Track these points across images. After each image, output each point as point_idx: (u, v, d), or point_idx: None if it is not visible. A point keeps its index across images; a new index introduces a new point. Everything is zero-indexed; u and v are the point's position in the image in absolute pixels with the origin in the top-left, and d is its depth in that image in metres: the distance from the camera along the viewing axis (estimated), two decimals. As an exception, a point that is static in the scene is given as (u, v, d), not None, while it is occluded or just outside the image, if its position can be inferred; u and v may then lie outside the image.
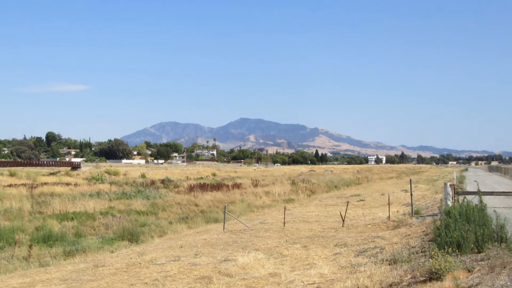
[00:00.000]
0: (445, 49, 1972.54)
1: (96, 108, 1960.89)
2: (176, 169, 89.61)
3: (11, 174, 51.97)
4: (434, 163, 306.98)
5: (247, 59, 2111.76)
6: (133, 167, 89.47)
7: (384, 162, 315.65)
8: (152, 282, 8.01)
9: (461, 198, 10.77)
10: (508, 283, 5.10)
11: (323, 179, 45.48)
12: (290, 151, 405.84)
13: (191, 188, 33.39)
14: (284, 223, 15.57)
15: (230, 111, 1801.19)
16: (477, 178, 42.00)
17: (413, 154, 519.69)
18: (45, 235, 16.70)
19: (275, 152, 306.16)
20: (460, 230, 7.10)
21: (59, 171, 67.08)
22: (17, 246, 15.00)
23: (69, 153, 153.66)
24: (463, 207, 8.14)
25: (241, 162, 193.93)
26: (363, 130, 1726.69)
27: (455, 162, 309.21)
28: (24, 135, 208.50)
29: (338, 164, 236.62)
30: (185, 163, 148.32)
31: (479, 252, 6.84)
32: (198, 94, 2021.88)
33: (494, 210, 8.09)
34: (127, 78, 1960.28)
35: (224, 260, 9.41)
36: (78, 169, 74.30)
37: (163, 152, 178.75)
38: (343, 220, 14.79)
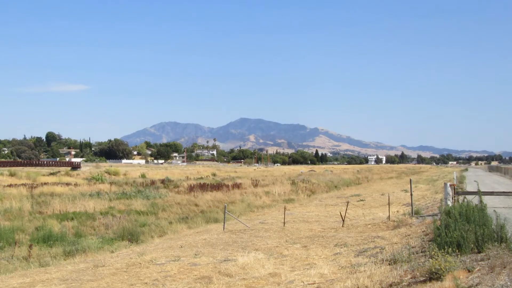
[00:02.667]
0: (445, 49, 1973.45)
1: (96, 108, 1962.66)
2: (176, 169, 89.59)
3: (11, 174, 51.99)
4: (434, 163, 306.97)
5: (247, 59, 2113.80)
6: (133, 167, 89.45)
7: (384, 162, 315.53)
8: (152, 282, 8.01)
9: (461, 198, 10.77)
10: (508, 283, 5.09)
11: (323, 179, 45.49)
12: (290, 151, 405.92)
13: (191, 188, 33.39)
14: (284, 223, 15.57)
15: (230, 111, 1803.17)
16: (477, 178, 41.99)
17: (413, 154, 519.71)
18: (45, 235, 16.70)
19: (275, 152, 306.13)
20: (460, 230, 7.10)
21: (59, 171, 67.08)
22: (17, 246, 14.99)
23: (69, 153, 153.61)
24: (463, 207, 8.14)
25: (241, 162, 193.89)
26: (363, 130, 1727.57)
27: (455, 162, 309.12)
28: (24, 135, 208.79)
29: (338, 164, 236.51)
30: (185, 163, 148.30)
31: (479, 252, 6.83)
32: (198, 94, 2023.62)
33: (494, 210, 8.09)
34: (127, 78, 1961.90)
35: (224, 260, 9.41)
36: (78, 169, 74.30)
37: (163, 152, 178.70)
38: (343, 220, 14.79)
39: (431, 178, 49.23)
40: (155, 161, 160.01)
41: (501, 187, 27.04)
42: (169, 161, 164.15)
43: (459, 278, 5.62)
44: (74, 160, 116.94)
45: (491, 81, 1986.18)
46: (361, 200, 25.06)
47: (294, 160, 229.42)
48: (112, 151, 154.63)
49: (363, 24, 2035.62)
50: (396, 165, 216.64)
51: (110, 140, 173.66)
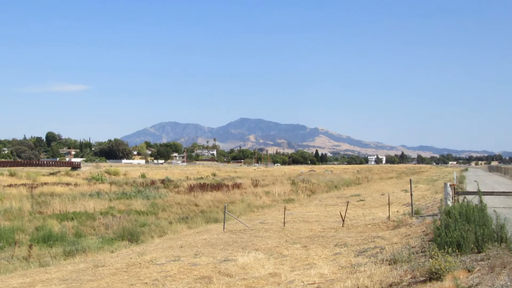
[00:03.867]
0: (445, 49, 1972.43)
1: (96, 108, 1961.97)
2: (176, 169, 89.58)
3: (11, 174, 51.98)
4: (434, 163, 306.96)
5: (247, 59, 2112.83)
6: (133, 167, 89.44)
7: (384, 162, 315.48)
8: (152, 282, 8.00)
9: (461, 198, 10.77)
10: (508, 283, 5.09)
11: (323, 179, 45.48)
12: (290, 151, 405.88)
13: (191, 188, 33.39)
14: (284, 223, 15.57)
15: (230, 111, 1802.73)
16: (477, 178, 41.99)
17: (413, 154, 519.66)
18: (45, 235, 16.70)
19: (275, 152, 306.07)
20: (460, 230, 7.10)
21: (59, 171, 67.07)
22: (17, 246, 15.00)
23: (69, 153, 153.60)
24: (463, 207, 8.13)
25: (241, 162, 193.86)
26: (363, 130, 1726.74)
27: (455, 162, 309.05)
28: (24, 135, 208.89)
29: (338, 164, 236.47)
30: (185, 163, 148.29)
31: (479, 252, 6.83)
32: (198, 94, 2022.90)
33: (494, 210, 8.08)
34: (127, 78, 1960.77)
35: (224, 260, 9.41)
36: (78, 169, 74.29)
37: (163, 152, 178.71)
38: (343, 220, 14.79)
39: (431, 178, 49.23)
40: (155, 161, 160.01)
41: (501, 187, 27.04)
42: (169, 161, 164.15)
43: (459, 278, 5.61)
44: (74, 160, 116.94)
45: (491, 81, 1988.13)
46: (361, 200, 25.06)
47: (294, 160, 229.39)
48: (112, 151, 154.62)
49: (363, 24, 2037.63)
50: (396, 165, 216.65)
51: (110, 140, 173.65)
